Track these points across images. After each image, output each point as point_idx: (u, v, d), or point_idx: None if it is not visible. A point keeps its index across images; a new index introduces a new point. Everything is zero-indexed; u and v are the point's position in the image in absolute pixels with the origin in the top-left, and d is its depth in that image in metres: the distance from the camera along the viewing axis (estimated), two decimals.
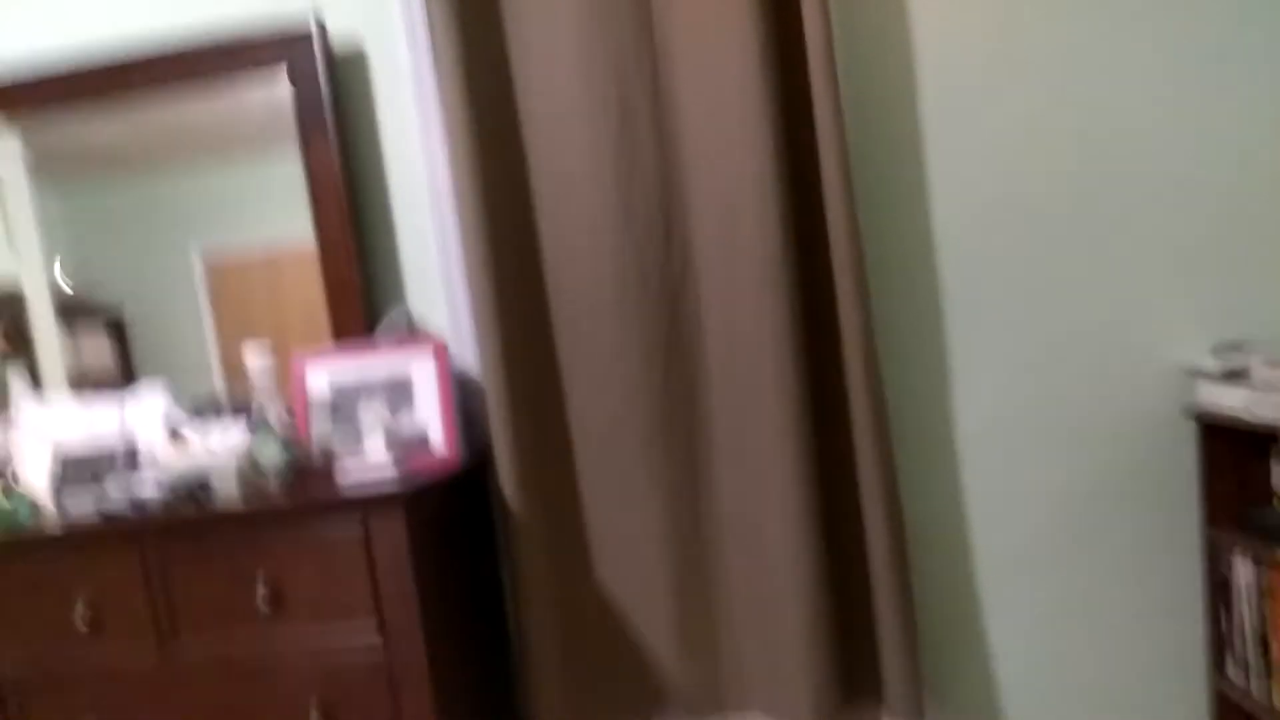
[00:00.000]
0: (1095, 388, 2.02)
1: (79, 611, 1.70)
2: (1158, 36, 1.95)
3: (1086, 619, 2.07)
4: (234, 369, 2.22)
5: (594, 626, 2.03)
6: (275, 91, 2.07)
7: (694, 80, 1.93)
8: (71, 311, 2.30)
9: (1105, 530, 2.04)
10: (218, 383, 2.24)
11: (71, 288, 2.31)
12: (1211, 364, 1.90)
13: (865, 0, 2.00)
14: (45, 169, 2.28)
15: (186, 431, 1.93)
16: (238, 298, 2.25)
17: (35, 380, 2.29)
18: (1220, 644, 1.97)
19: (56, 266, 2.30)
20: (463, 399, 2.01)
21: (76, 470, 1.87)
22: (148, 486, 1.75)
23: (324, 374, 1.95)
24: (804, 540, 1.90)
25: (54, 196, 2.30)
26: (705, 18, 1.90)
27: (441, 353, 1.94)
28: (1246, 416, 1.77)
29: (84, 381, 2.30)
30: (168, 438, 1.93)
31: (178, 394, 2.08)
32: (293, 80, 2.04)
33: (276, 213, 2.18)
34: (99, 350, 2.31)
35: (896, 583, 1.91)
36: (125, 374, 2.29)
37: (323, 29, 2.04)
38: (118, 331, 2.30)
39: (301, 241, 2.14)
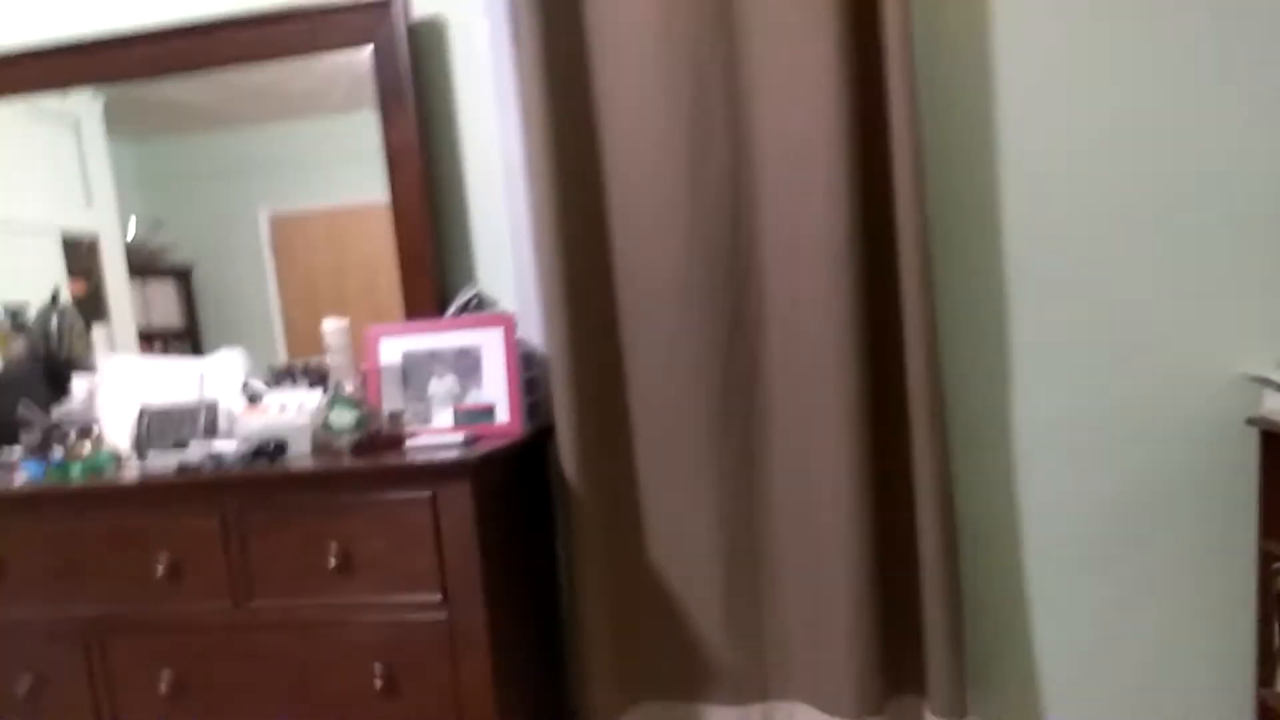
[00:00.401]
0: (1157, 393, 2.02)
1: (160, 562, 1.78)
2: (1236, 50, 1.92)
3: (1135, 624, 2.08)
4: (294, 324, 2.29)
5: (645, 605, 2.08)
6: (355, 59, 2.11)
7: (770, 72, 1.94)
8: (142, 266, 2.38)
9: (1160, 536, 2.04)
10: (278, 337, 2.30)
11: (144, 242, 2.38)
12: (1278, 374, 1.89)
13: (945, 1, 1.98)
14: (122, 124, 2.34)
15: (264, 393, 2.00)
16: (301, 256, 2.30)
17: (104, 322, 2.37)
18: (1269, 656, 1.97)
19: (131, 221, 2.38)
20: (527, 374, 2.05)
21: (158, 426, 1.94)
22: (227, 445, 1.82)
23: (396, 345, 2.00)
24: (855, 532, 1.93)
25: (129, 152, 2.37)
26: (787, 17, 1.90)
27: (510, 328, 1.98)
28: None
29: (152, 335, 2.39)
30: (245, 400, 2.00)
31: (244, 349, 2.16)
32: (375, 51, 2.08)
33: (342, 174, 2.23)
34: (167, 304, 2.39)
35: (945, 579, 1.94)
36: (190, 328, 2.37)
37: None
38: (185, 287, 2.38)
39: (364, 203, 2.19)
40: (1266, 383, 1.92)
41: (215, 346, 2.34)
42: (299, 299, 2.32)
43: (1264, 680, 1.99)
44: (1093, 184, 1.99)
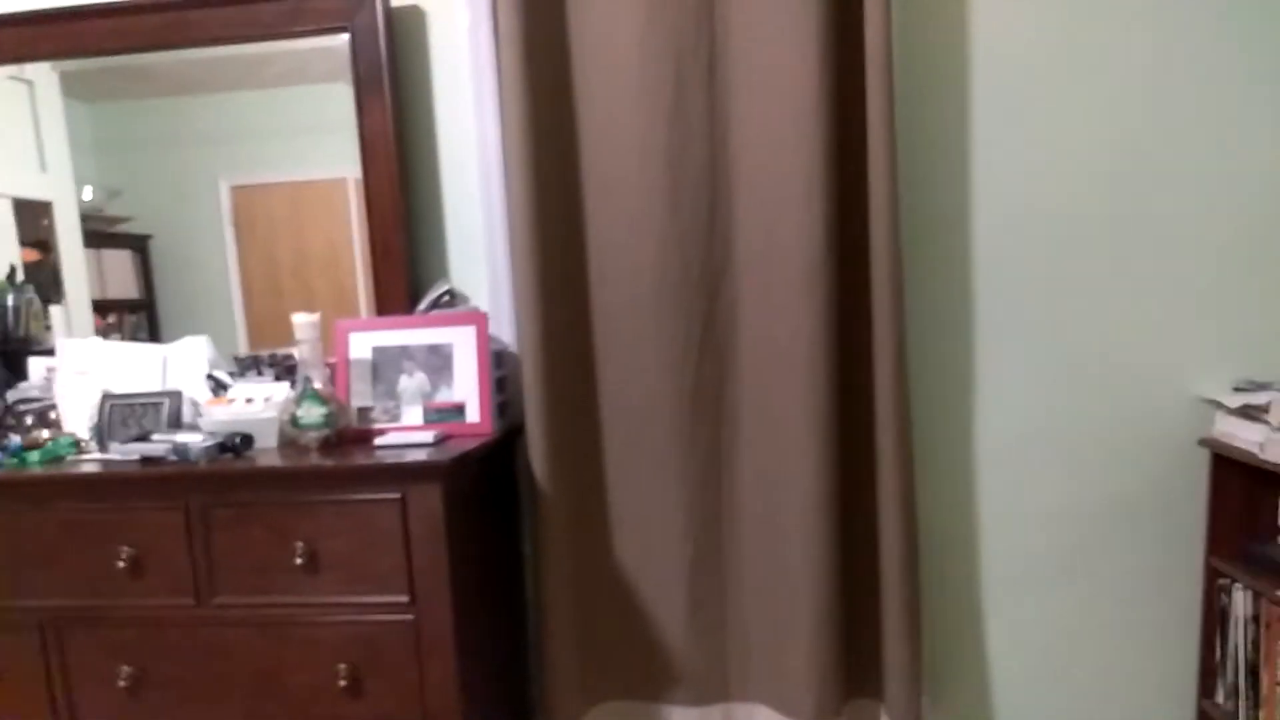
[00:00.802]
0: (1114, 413, 2.07)
1: (121, 555, 1.75)
2: (1196, 74, 1.96)
3: (1085, 635, 2.14)
4: (254, 296, 2.26)
5: (609, 606, 2.09)
6: (332, 43, 2.07)
7: (750, 76, 1.94)
8: (98, 235, 2.33)
9: (1113, 551, 2.10)
10: (238, 310, 2.27)
11: (100, 210, 2.32)
12: (1231, 398, 1.94)
13: (924, 15, 2.00)
14: (79, 86, 2.28)
15: (229, 384, 1.97)
16: (262, 228, 2.27)
17: (58, 296, 2.31)
18: (1212, 670, 2.04)
19: (87, 188, 2.32)
20: (497, 373, 2.04)
21: (120, 415, 1.91)
22: (192, 437, 1.79)
23: (366, 339, 1.98)
24: (819, 538, 1.96)
25: (86, 114, 2.31)
26: (766, 21, 1.90)
27: (483, 326, 1.97)
28: (1260, 454, 1.81)
29: (107, 306, 2.34)
30: (210, 390, 1.97)
31: (202, 322, 2.12)
32: (352, 37, 2.04)
33: (307, 147, 2.20)
34: (123, 275, 2.34)
35: (905, 587, 1.98)
36: (147, 300, 2.33)
37: None
38: (142, 257, 2.33)
39: (329, 177, 2.18)
40: (1218, 405, 1.98)
41: (173, 319, 2.31)
42: (259, 272, 2.28)
43: (1206, 692, 2.06)
44: (1056, 208, 2.03)
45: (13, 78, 2.25)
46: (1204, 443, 2.00)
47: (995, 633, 2.16)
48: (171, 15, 2.06)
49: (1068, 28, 1.98)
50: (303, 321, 1.88)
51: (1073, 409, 2.08)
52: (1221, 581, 1.99)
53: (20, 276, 2.30)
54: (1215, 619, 2.02)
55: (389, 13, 2.03)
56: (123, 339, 2.31)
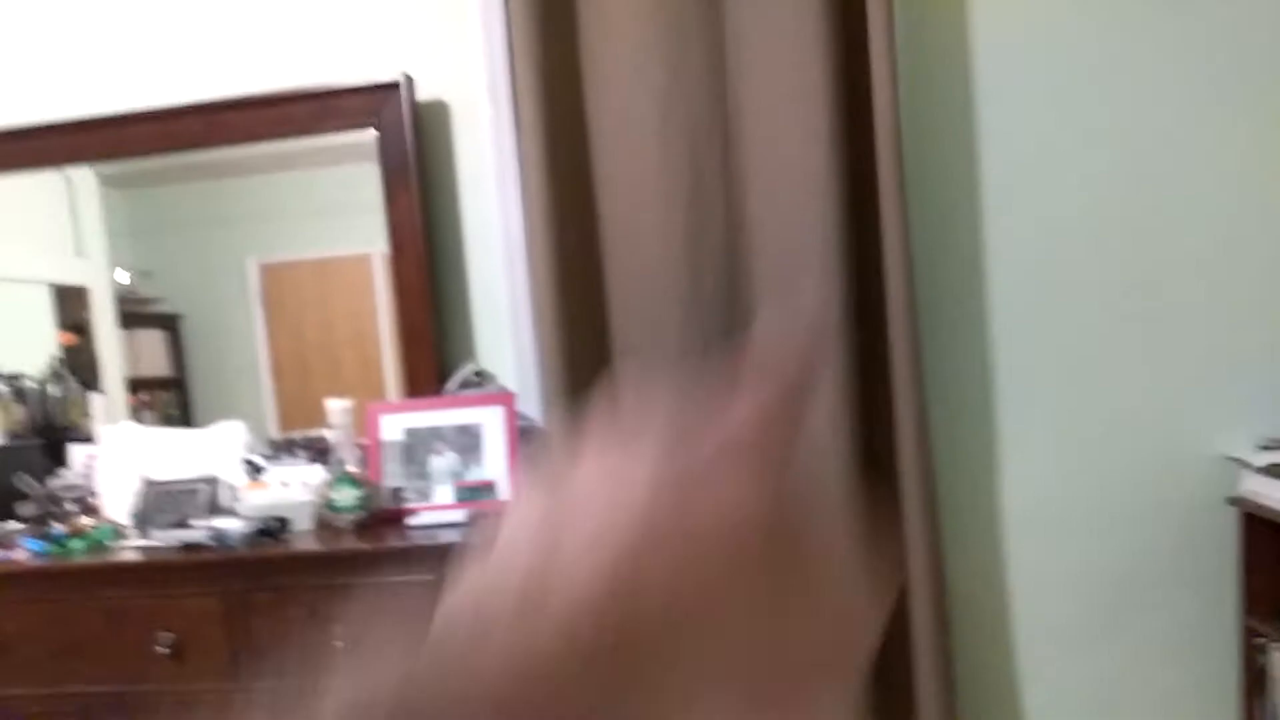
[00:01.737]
0: (1141, 473, 2.07)
1: (161, 641, 1.79)
2: (1221, 124, 2.00)
3: (1122, 698, 2.12)
4: (283, 371, 2.31)
5: None
6: (359, 139, 2.16)
7: (765, 157, 2.00)
8: (131, 316, 2.40)
9: (1144, 613, 2.09)
10: (266, 385, 2.32)
11: (132, 291, 2.40)
12: (1258, 456, 1.95)
13: (933, 80, 2.06)
14: (114, 173, 2.37)
15: (265, 468, 2.02)
16: (290, 304, 2.34)
17: (95, 378, 2.38)
18: None
19: (121, 271, 2.40)
20: (526, 450, 2.08)
21: (160, 501, 1.96)
22: (230, 523, 1.83)
23: (397, 421, 2.03)
24: None
25: (120, 200, 2.40)
26: (780, 99, 1.96)
27: (511, 406, 2.02)
28: None
29: (139, 384, 2.41)
30: (247, 474, 2.02)
31: (232, 398, 2.18)
32: (379, 133, 2.13)
33: (332, 224, 2.28)
34: (155, 354, 2.41)
35: (937, 654, 1.97)
36: (179, 377, 2.39)
37: (410, 82, 2.12)
38: (173, 336, 2.40)
39: (353, 253, 2.26)
40: (1244, 464, 1.98)
41: (204, 396, 2.37)
42: (288, 348, 2.35)
43: None
44: (1075, 264, 2.06)
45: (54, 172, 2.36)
46: (1233, 501, 2.00)
47: (1030, 699, 2.14)
48: (210, 117, 2.16)
49: (1084, 67, 2.02)
50: (336, 407, 1.93)
51: (1098, 470, 2.08)
52: (1258, 641, 1.97)
53: (63, 364, 2.38)
54: (1254, 679, 2.00)
55: (414, 108, 2.12)
56: (155, 416, 2.38)
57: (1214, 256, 2.02)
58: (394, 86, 2.11)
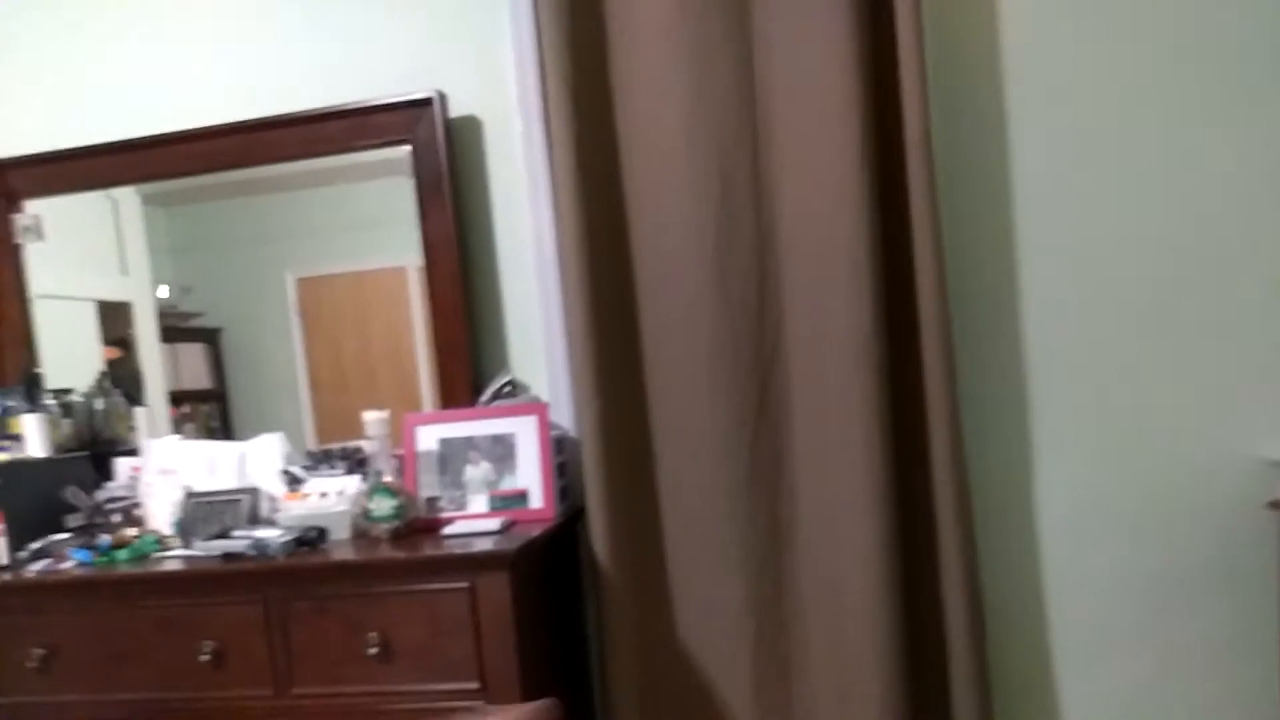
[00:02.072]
0: (1179, 477, 2.05)
1: (204, 649, 1.82)
2: (1264, 122, 1.98)
3: (1160, 706, 2.09)
4: (321, 382, 2.36)
5: (674, 686, 2.10)
6: (394, 155, 2.20)
7: (793, 164, 2.01)
8: (172, 331, 2.47)
9: (1184, 619, 2.07)
10: (304, 395, 2.37)
11: (174, 307, 2.45)
12: None
13: (962, 93, 2.07)
14: (156, 192, 2.44)
15: (304, 479, 2.06)
16: (327, 316, 2.39)
17: (139, 391, 2.45)
18: None
19: (163, 287, 2.46)
20: (558, 458, 2.10)
21: (203, 512, 2.00)
22: (270, 533, 1.87)
23: (432, 432, 2.06)
24: (883, 616, 1.96)
25: (162, 218, 2.46)
26: (808, 106, 1.98)
27: (544, 416, 2.04)
28: None
29: (181, 397, 2.46)
30: (286, 485, 2.06)
31: (271, 408, 2.23)
32: (413, 149, 2.17)
33: (367, 238, 2.32)
34: (196, 367, 2.47)
35: (973, 659, 1.96)
36: (219, 390, 2.44)
37: (444, 99, 2.16)
38: (213, 349, 2.45)
39: (389, 265, 2.29)
40: None
41: (243, 408, 2.42)
42: (324, 359, 2.39)
43: None
44: (1113, 268, 2.05)
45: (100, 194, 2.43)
46: (1274, 505, 1.98)
47: (1067, 704, 2.12)
48: (247, 137, 2.22)
49: (1115, 93, 2.02)
50: (372, 418, 1.96)
51: (1136, 474, 2.07)
52: None
53: (107, 379, 2.44)
54: None
55: (447, 124, 2.16)
56: (197, 428, 2.43)
57: (1253, 259, 2.00)
58: (427, 103, 2.15)
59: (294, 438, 2.25)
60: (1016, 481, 2.11)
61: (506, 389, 2.16)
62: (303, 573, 1.81)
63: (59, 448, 2.27)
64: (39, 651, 1.89)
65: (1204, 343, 2.03)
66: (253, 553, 1.85)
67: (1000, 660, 2.09)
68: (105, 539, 1.99)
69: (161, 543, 2.01)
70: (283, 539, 1.85)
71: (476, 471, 2.04)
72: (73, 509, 2.12)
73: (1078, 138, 2.04)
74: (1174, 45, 2.00)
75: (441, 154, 2.14)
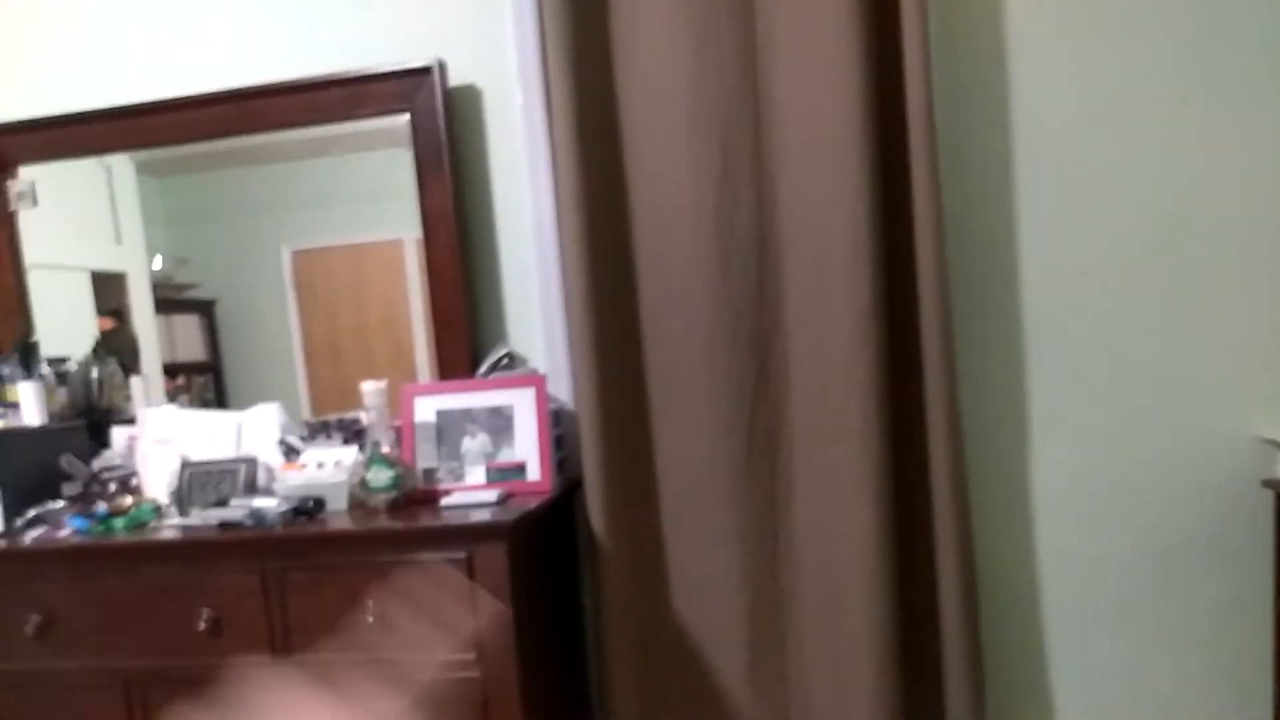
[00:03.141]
0: (1174, 455, 2.06)
1: (201, 617, 1.83)
2: (1249, 116, 1.98)
3: (1154, 678, 2.11)
4: (316, 355, 2.35)
5: (669, 657, 2.12)
6: (393, 124, 2.18)
7: (794, 140, 2.00)
8: (167, 302, 2.45)
9: (1177, 595, 2.08)
10: (299, 367, 2.37)
11: (168, 278, 2.44)
12: None
13: (966, 75, 2.05)
14: (150, 161, 2.42)
15: (301, 449, 2.06)
16: (323, 289, 2.38)
17: (134, 362, 2.44)
18: None
19: (157, 257, 2.45)
20: (556, 430, 2.10)
21: (199, 481, 2.00)
22: (267, 502, 1.87)
23: (430, 403, 2.06)
24: (878, 588, 1.97)
25: (156, 188, 2.44)
26: (810, 80, 1.97)
27: (542, 388, 2.04)
28: None
29: (176, 369, 2.45)
30: (283, 455, 2.05)
31: (265, 380, 2.25)
32: (412, 118, 2.15)
33: (364, 210, 2.30)
34: (191, 338, 2.46)
35: (967, 634, 1.98)
36: (214, 361, 2.43)
37: (443, 68, 2.14)
38: (208, 321, 2.44)
39: (385, 238, 2.29)
40: (1278, 446, 1.97)
41: (238, 380, 2.41)
42: (320, 332, 2.38)
43: None
44: (1112, 245, 2.05)
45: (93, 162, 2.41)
46: (1268, 483, 1.99)
47: (1060, 679, 2.14)
48: (241, 105, 2.20)
49: (1115, 60, 2.02)
50: (370, 389, 1.96)
51: (1131, 453, 2.08)
52: None
53: (102, 347, 2.43)
54: None
55: (446, 93, 2.14)
56: (191, 400, 2.43)
57: (1247, 239, 2.00)
58: (426, 71, 2.13)
59: (289, 409, 2.24)
60: (1013, 459, 2.12)
61: (504, 361, 2.15)
62: (300, 542, 1.82)
63: (55, 416, 2.27)
64: (36, 619, 1.89)
65: (1200, 322, 2.04)
66: (250, 522, 1.85)
67: (993, 636, 2.11)
68: (102, 507, 1.99)
69: (159, 511, 2.01)
70: (280, 509, 1.85)
71: (474, 443, 2.03)
72: (69, 477, 2.12)
73: (1080, 117, 2.04)
74: (1178, 26, 1.99)
75: (440, 124, 2.13)
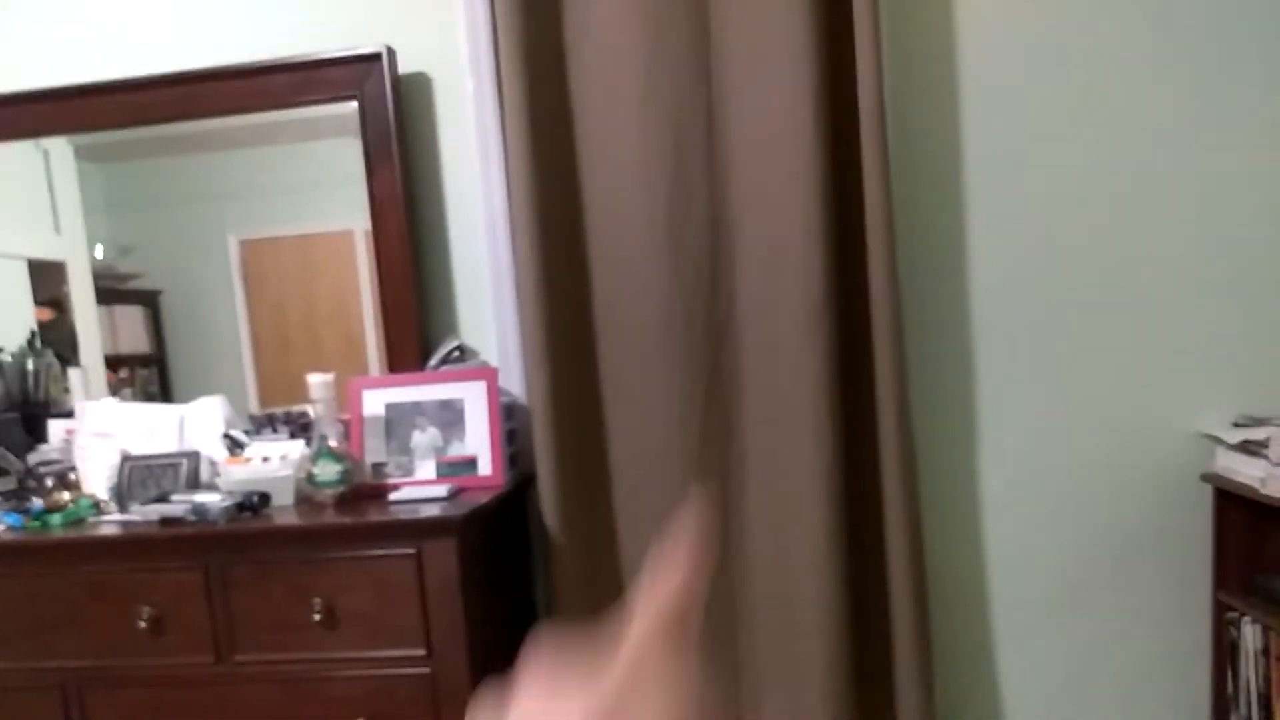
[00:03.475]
0: (1117, 449, 2.10)
1: (141, 615, 1.78)
2: (1195, 110, 2.01)
3: (1097, 670, 2.15)
4: (263, 347, 2.31)
5: None
6: (340, 111, 2.14)
7: (747, 133, 2.00)
8: (109, 292, 2.38)
9: (1120, 587, 2.12)
10: (247, 361, 2.32)
11: (111, 267, 2.38)
12: (1231, 433, 1.97)
13: (916, 63, 2.06)
14: (90, 147, 2.35)
15: (246, 443, 2.02)
16: (271, 281, 2.33)
17: (74, 354, 2.37)
18: (1224, 704, 2.05)
19: (99, 246, 2.38)
20: (507, 425, 2.08)
21: (140, 476, 1.95)
22: (210, 497, 1.83)
23: (379, 396, 2.03)
24: (829, 582, 1.98)
25: (98, 174, 2.37)
26: (763, 78, 1.96)
27: (493, 381, 2.01)
28: (1261, 489, 1.84)
29: (119, 361, 2.39)
30: (227, 449, 2.01)
31: (212, 375, 2.20)
32: (361, 105, 2.11)
33: (313, 200, 2.27)
34: (134, 330, 2.40)
35: (916, 626, 2.00)
36: (158, 354, 2.38)
37: (392, 55, 2.10)
38: (153, 313, 2.38)
39: (334, 229, 2.25)
40: (1219, 441, 2.01)
41: (183, 373, 2.35)
42: (268, 324, 2.33)
43: None
44: (1058, 242, 2.07)
45: (27, 142, 2.33)
46: (1206, 478, 2.03)
47: (1007, 670, 2.18)
48: (185, 89, 2.14)
49: (1064, 62, 2.04)
50: (317, 381, 1.92)
51: (1075, 447, 2.11)
52: (1230, 615, 2.01)
53: (37, 338, 2.35)
54: (1225, 653, 2.03)
55: (396, 80, 2.10)
56: (135, 393, 2.36)
57: (1190, 238, 2.04)
58: (376, 58, 2.09)
59: (236, 403, 2.20)
60: (960, 453, 2.14)
61: (455, 354, 2.12)
62: (244, 538, 1.78)
63: None
64: None
65: (1141, 318, 2.07)
66: (192, 517, 1.80)
67: (943, 630, 2.13)
68: (37, 503, 1.93)
69: (97, 507, 1.96)
70: (223, 504, 1.81)
71: (424, 437, 2.01)
72: (3, 472, 2.06)
73: (1029, 114, 2.06)
74: (1129, 21, 2.02)
75: (390, 111, 2.09)
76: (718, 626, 2.10)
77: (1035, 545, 2.14)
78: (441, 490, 1.89)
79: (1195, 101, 2.01)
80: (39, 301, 2.40)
